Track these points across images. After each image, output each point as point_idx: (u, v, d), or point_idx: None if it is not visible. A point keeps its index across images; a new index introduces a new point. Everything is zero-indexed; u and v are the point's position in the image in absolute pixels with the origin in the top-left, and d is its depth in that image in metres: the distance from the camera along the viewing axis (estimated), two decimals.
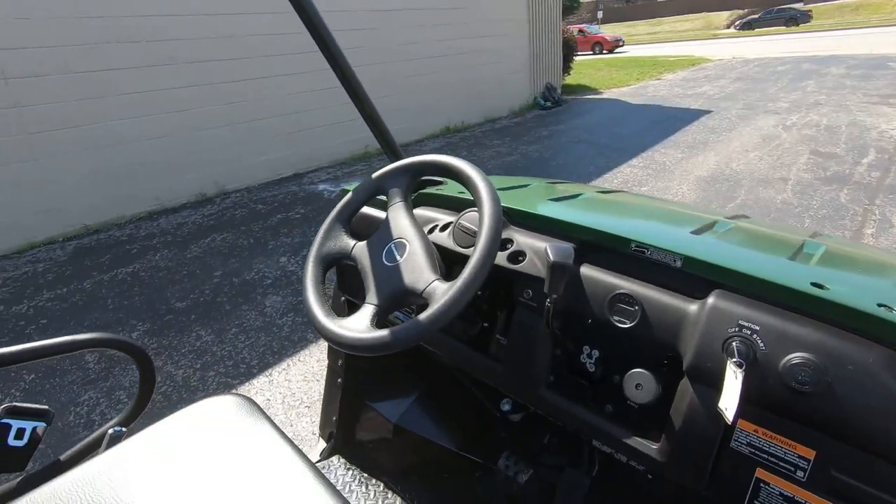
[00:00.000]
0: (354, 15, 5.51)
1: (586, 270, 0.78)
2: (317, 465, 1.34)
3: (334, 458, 1.36)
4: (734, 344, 0.61)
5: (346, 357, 1.32)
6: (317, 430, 1.52)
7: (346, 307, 1.25)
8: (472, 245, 0.70)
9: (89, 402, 2.08)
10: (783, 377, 0.58)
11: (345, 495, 1.25)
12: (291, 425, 1.90)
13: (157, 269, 3.29)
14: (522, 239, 0.85)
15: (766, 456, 0.61)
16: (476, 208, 0.74)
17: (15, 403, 0.79)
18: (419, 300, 0.69)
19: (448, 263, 0.84)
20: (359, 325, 0.68)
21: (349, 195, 0.86)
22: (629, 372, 0.71)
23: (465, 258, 0.69)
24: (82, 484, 0.71)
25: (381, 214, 1.05)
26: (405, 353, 1.26)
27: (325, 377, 1.41)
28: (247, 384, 2.14)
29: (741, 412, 0.61)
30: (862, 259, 0.94)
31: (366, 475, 1.30)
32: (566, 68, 10.13)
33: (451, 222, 0.93)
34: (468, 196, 0.80)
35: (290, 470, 0.73)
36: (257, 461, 0.75)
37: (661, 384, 0.69)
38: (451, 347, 0.97)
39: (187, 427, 0.81)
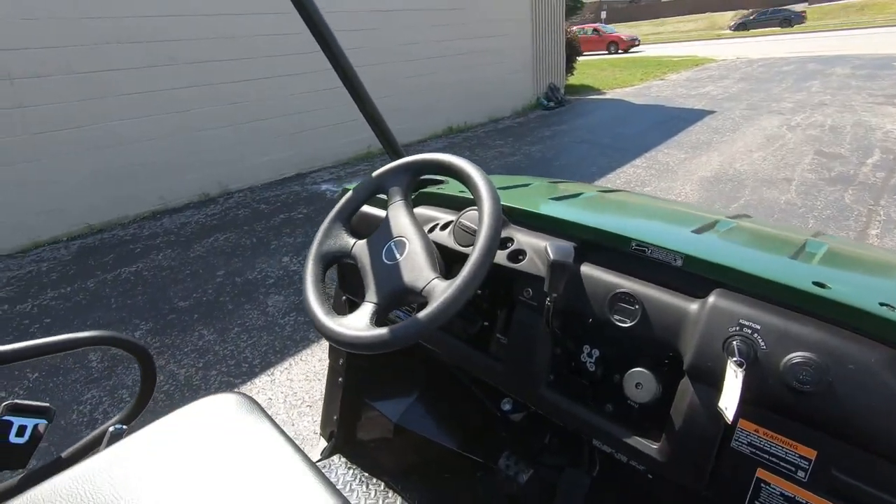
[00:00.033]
0: (357, 15, 5.52)
1: (587, 269, 0.78)
2: (318, 463, 1.35)
3: (335, 457, 1.36)
4: (735, 343, 0.61)
5: (347, 356, 1.32)
6: (318, 430, 1.52)
7: (348, 306, 1.25)
8: (473, 244, 0.70)
9: (92, 400, 2.09)
10: (784, 377, 0.58)
11: (345, 494, 1.25)
12: (293, 424, 1.90)
13: (160, 269, 3.30)
14: (523, 238, 0.85)
15: (766, 456, 0.61)
16: (476, 207, 0.73)
17: (16, 401, 0.80)
18: (419, 298, 0.69)
19: (448, 262, 0.84)
20: (358, 324, 0.68)
21: (349, 194, 0.86)
22: (629, 371, 0.70)
23: (466, 257, 0.69)
24: (82, 481, 0.72)
25: (381, 213, 1.05)
26: (406, 353, 1.26)
27: (326, 376, 1.41)
28: (249, 383, 2.14)
29: (742, 412, 0.61)
30: (865, 259, 0.93)
31: (366, 474, 1.30)
32: (569, 68, 10.12)
33: (451, 221, 0.93)
34: (469, 195, 0.80)
35: (289, 468, 0.73)
36: (257, 459, 0.75)
37: (661, 383, 0.69)
38: (451, 346, 0.97)
39: (187, 425, 0.81)
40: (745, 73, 11.31)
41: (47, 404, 0.83)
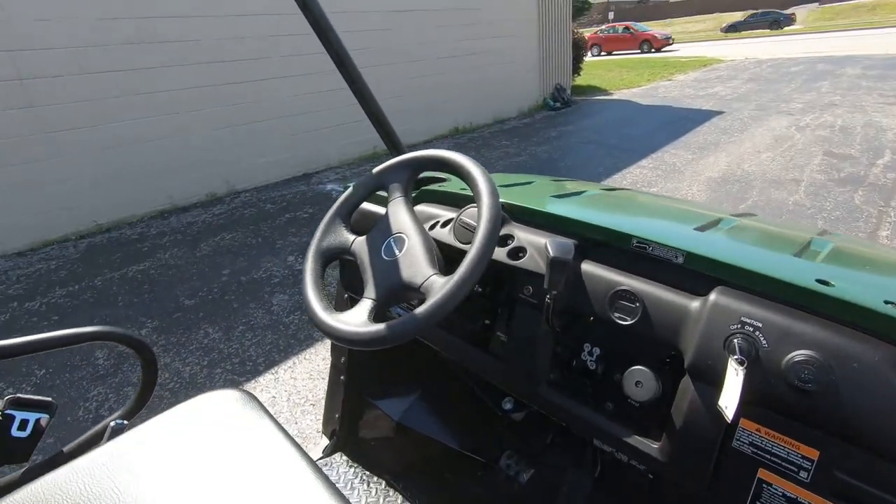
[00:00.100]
0: (364, 16, 5.54)
1: (587, 267, 0.77)
2: (319, 462, 1.35)
3: (337, 456, 1.36)
4: (736, 341, 0.60)
5: (349, 354, 1.32)
6: (321, 428, 1.52)
7: (349, 304, 1.25)
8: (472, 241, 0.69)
9: (98, 397, 2.11)
10: (786, 375, 0.57)
11: (347, 493, 1.25)
12: (296, 423, 1.90)
13: (166, 267, 3.32)
14: (523, 235, 0.85)
15: (768, 456, 0.60)
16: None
17: (19, 395, 0.80)
18: (417, 295, 0.69)
19: (449, 260, 0.84)
20: (356, 319, 0.68)
21: (349, 190, 0.86)
22: (629, 369, 0.70)
23: (466, 254, 0.68)
24: (83, 475, 0.72)
25: (381, 210, 1.05)
26: (408, 351, 1.26)
27: (328, 375, 1.42)
28: (253, 381, 2.15)
29: (743, 411, 0.60)
30: (871, 257, 0.92)
31: (368, 473, 1.30)
32: (576, 69, 10.09)
33: (452, 218, 0.93)
34: (470, 192, 0.80)
35: (288, 465, 0.73)
36: (256, 456, 0.75)
37: (661, 382, 0.68)
38: (452, 344, 0.96)
39: (187, 421, 0.82)
40: (753, 73, 11.22)
41: (49, 399, 0.83)
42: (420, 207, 1.02)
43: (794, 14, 27.10)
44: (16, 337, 0.80)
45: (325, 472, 1.30)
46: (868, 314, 0.57)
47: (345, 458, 1.36)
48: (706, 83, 10.31)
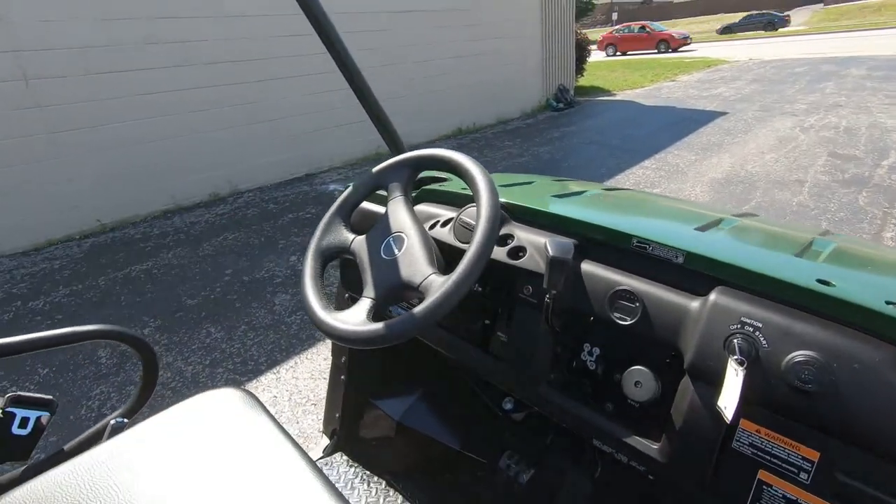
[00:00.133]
0: (367, 17, 5.55)
1: (587, 266, 0.77)
2: (320, 461, 1.35)
3: (337, 455, 1.36)
4: (735, 341, 0.59)
5: (350, 354, 1.32)
6: (322, 428, 1.52)
7: (350, 303, 1.25)
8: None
9: (100, 395, 2.11)
10: (786, 376, 0.56)
11: (347, 492, 1.25)
12: (298, 422, 1.90)
13: (169, 267, 3.34)
14: (523, 234, 0.85)
15: (768, 457, 0.59)
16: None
17: (20, 393, 0.81)
18: (416, 294, 0.69)
19: (449, 259, 0.84)
20: (355, 318, 0.68)
21: (349, 190, 0.86)
22: (628, 369, 0.69)
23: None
24: (82, 473, 0.72)
25: (381, 209, 1.05)
26: (408, 351, 1.26)
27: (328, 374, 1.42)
28: (254, 381, 2.15)
29: (743, 412, 0.60)
30: (874, 258, 0.91)
31: (368, 472, 1.30)
32: (579, 70, 10.08)
33: (452, 218, 0.93)
34: (471, 192, 0.80)
35: (286, 463, 0.73)
36: (254, 454, 0.75)
37: (660, 382, 0.68)
38: (452, 344, 0.96)
39: (187, 419, 0.82)
40: (757, 74, 11.18)
41: (50, 396, 0.84)
42: (420, 207, 1.02)
43: (788, 16, 27.34)
44: (17, 335, 0.80)
45: (326, 471, 1.30)
46: (869, 314, 0.56)
47: (345, 457, 1.36)
48: (710, 84, 10.28)
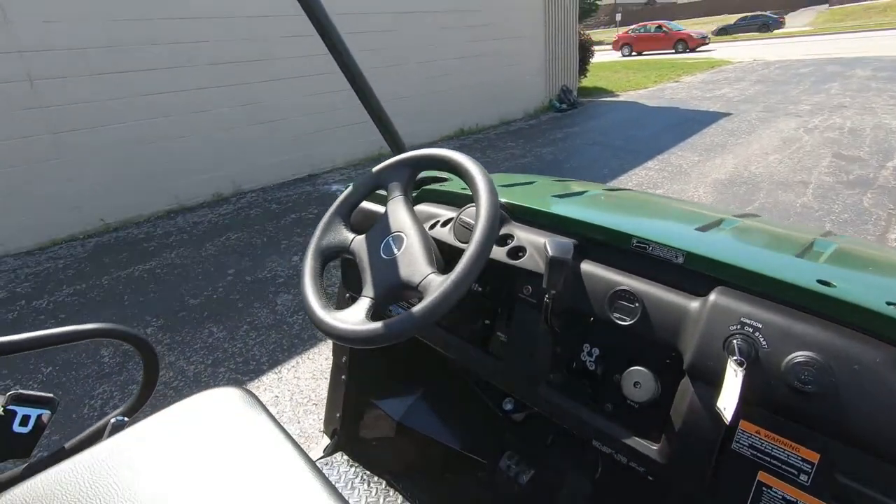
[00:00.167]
0: (370, 18, 5.56)
1: (587, 267, 0.77)
2: (320, 461, 1.35)
3: (338, 455, 1.36)
4: (735, 342, 0.59)
5: (350, 354, 1.32)
6: (323, 427, 1.53)
7: (350, 303, 1.25)
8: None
9: (103, 394, 2.12)
10: (786, 377, 0.56)
11: (347, 492, 1.25)
12: (299, 422, 1.91)
13: (172, 267, 3.35)
14: (523, 234, 0.85)
15: (768, 458, 0.59)
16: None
17: (21, 391, 0.81)
18: (415, 293, 0.69)
19: (448, 259, 0.84)
20: (354, 318, 0.68)
21: (349, 189, 0.86)
22: (627, 370, 0.69)
23: None
24: (82, 471, 0.72)
25: (381, 209, 1.06)
26: (409, 351, 1.26)
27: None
28: (256, 381, 2.16)
29: (743, 413, 0.59)
30: (876, 258, 0.91)
31: (368, 472, 1.30)
32: (582, 70, 10.07)
33: (452, 218, 0.93)
34: (471, 192, 0.80)
35: (284, 462, 0.74)
36: (253, 453, 0.76)
37: (660, 383, 0.67)
38: (452, 344, 0.96)
39: (186, 418, 0.82)
40: (761, 75, 11.14)
41: (51, 395, 0.84)
42: (421, 207, 1.03)
43: (783, 18, 27.49)
44: (17, 333, 0.80)
45: (326, 471, 1.31)
46: (870, 315, 0.56)
47: (346, 457, 1.36)
48: (713, 85, 10.25)
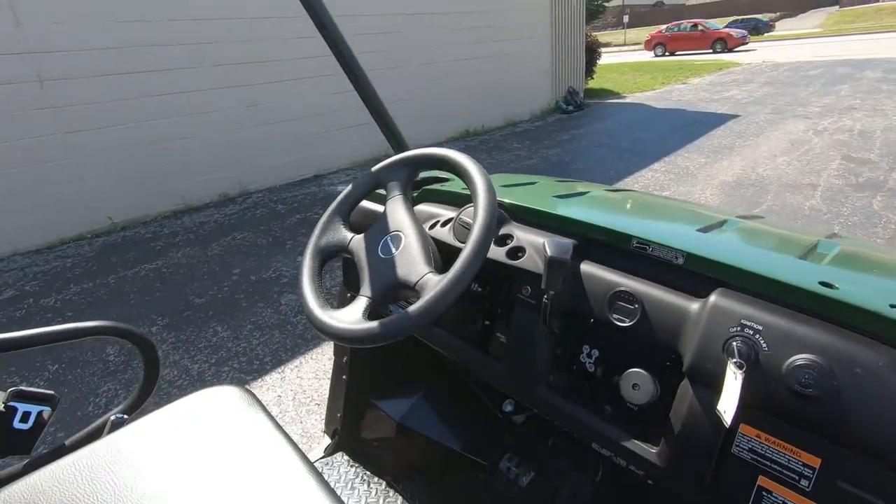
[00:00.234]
0: (376, 19, 5.57)
1: (587, 267, 0.76)
2: (321, 461, 1.35)
3: (338, 455, 1.36)
4: (735, 344, 0.58)
5: (351, 354, 1.32)
6: (324, 427, 1.53)
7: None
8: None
9: (108, 392, 2.14)
10: (786, 379, 0.55)
11: (347, 493, 1.25)
12: (301, 422, 1.91)
13: (178, 266, 3.37)
14: (522, 235, 0.84)
15: (768, 463, 0.58)
16: None
17: (21, 387, 0.81)
18: (413, 293, 0.69)
19: (447, 259, 0.83)
20: (351, 317, 0.68)
21: (348, 188, 0.86)
22: (626, 372, 0.69)
23: None
24: (81, 467, 0.73)
25: (381, 209, 1.06)
26: (410, 351, 1.26)
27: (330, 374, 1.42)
28: (259, 380, 2.16)
29: (743, 416, 0.58)
30: (881, 260, 0.89)
31: (368, 473, 1.30)
32: (589, 72, 10.04)
33: (452, 218, 0.93)
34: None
35: (281, 461, 0.74)
36: (250, 452, 0.76)
37: (659, 385, 0.67)
38: (452, 345, 0.96)
39: (185, 416, 0.82)
40: (770, 76, 11.06)
41: (51, 392, 0.85)
42: (421, 207, 1.02)
43: (773, 22, 27.70)
44: (18, 330, 0.81)
45: (327, 471, 1.30)
46: (873, 318, 0.55)
47: (346, 457, 1.35)
48: (721, 86, 10.18)
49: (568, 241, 0.73)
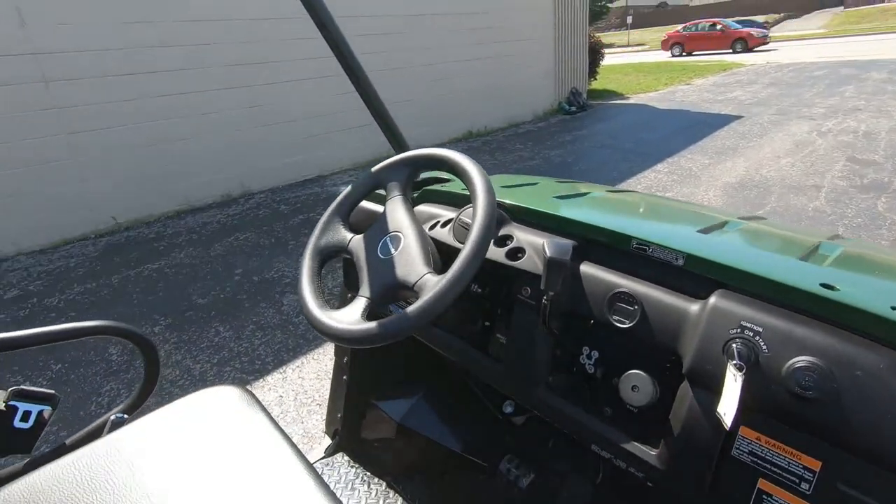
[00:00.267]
0: (379, 20, 5.58)
1: (586, 268, 0.76)
2: (322, 461, 1.35)
3: (338, 456, 1.36)
4: (734, 346, 0.58)
5: (352, 354, 1.32)
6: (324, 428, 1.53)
7: None
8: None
9: (110, 392, 2.14)
10: (786, 382, 0.55)
11: (347, 493, 1.25)
12: (303, 422, 1.91)
13: (181, 266, 3.38)
14: (522, 235, 0.84)
15: (768, 466, 0.58)
16: None
17: (22, 387, 0.82)
18: (411, 293, 0.69)
19: (447, 259, 0.83)
20: (349, 318, 0.68)
21: (348, 189, 0.86)
22: (625, 373, 0.68)
23: None
24: (80, 466, 0.73)
25: (381, 209, 1.06)
26: (411, 352, 1.25)
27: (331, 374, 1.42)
28: (261, 380, 2.17)
29: (743, 419, 0.58)
30: (884, 262, 0.89)
31: (368, 474, 1.30)
32: (592, 73, 10.03)
33: (452, 218, 0.93)
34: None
35: (279, 461, 0.74)
36: (249, 452, 0.76)
37: (658, 386, 0.66)
38: (452, 346, 0.96)
39: (184, 416, 0.82)
40: (774, 77, 11.01)
41: (52, 391, 0.85)
42: (422, 207, 1.02)
43: (767, 23, 27.28)
44: (17, 330, 0.81)
45: (327, 472, 1.31)
46: (874, 320, 0.55)
47: (346, 458, 1.35)
48: (725, 87, 10.15)
49: (567, 242, 0.73)
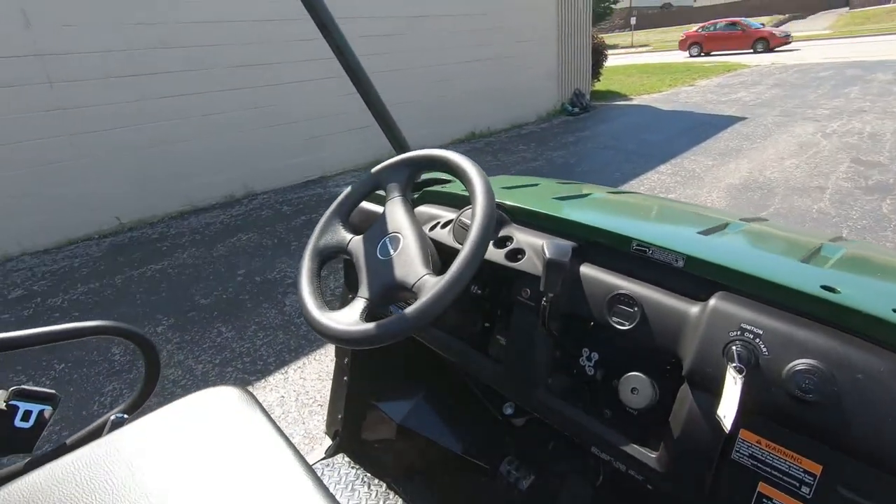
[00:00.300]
0: (380, 21, 5.59)
1: (586, 270, 0.76)
2: (322, 462, 1.35)
3: (339, 457, 1.36)
4: (734, 348, 0.58)
5: (352, 355, 1.32)
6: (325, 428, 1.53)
7: None
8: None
9: (113, 392, 2.15)
10: (786, 384, 0.55)
11: (347, 494, 1.25)
12: (304, 423, 1.91)
13: (184, 267, 3.39)
14: (522, 237, 0.84)
15: (768, 469, 0.57)
16: None
17: (23, 386, 0.82)
18: (410, 294, 0.69)
19: (446, 260, 0.83)
20: (348, 319, 0.68)
21: (348, 190, 0.87)
22: (625, 375, 0.68)
23: None
24: (80, 466, 0.73)
25: (381, 210, 1.06)
26: (411, 353, 1.25)
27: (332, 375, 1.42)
28: (262, 381, 2.17)
29: (743, 421, 0.58)
30: (886, 264, 0.88)
31: (369, 475, 1.30)
32: (595, 74, 10.01)
33: (452, 219, 0.93)
34: None
35: (278, 462, 0.74)
36: (248, 452, 0.76)
37: (658, 389, 0.66)
38: (452, 347, 0.95)
39: (184, 416, 0.83)
40: (779, 79, 10.97)
41: (53, 391, 0.85)
42: (422, 208, 1.02)
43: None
44: (17, 330, 0.82)
45: (327, 472, 1.31)
46: (875, 322, 0.54)
47: (347, 459, 1.35)
48: (729, 89, 10.12)
49: (567, 244, 0.73)
